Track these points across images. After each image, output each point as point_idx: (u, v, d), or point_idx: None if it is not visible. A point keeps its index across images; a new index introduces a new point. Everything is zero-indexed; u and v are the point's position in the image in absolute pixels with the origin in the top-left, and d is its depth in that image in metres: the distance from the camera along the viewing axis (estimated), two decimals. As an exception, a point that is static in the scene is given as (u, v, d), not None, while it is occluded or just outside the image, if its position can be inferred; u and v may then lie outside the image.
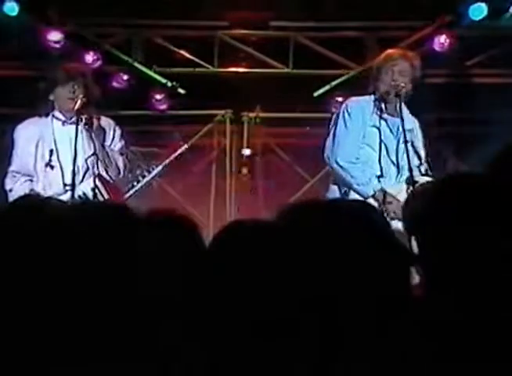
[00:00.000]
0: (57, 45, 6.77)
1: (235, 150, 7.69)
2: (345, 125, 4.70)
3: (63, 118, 4.76)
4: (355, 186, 4.59)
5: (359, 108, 4.72)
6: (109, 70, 7.25)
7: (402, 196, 4.46)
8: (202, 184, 7.37)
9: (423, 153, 4.73)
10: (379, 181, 4.62)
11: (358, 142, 4.67)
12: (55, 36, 6.74)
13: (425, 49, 7.11)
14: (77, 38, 6.98)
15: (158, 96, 7.41)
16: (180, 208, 6.92)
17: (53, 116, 4.81)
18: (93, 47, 7.07)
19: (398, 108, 4.66)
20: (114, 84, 7.22)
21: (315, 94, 7.34)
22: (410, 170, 4.54)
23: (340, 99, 7.25)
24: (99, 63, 6.97)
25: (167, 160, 4.90)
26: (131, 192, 4.78)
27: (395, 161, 4.68)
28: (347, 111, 4.72)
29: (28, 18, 6.61)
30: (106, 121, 4.90)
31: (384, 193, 4.54)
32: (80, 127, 4.69)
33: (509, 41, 7.12)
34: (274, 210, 6.61)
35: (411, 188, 4.48)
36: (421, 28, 7.24)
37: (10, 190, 4.83)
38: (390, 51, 4.95)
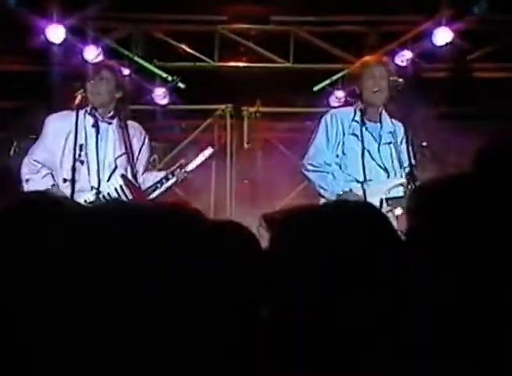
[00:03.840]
0: (58, 41, 6.77)
1: (235, 145, 7.71)
2: (317, 134, 4.91)
3: (96, 115, 4.72)
4: (321, 191, 4.83)
5: (338, 117, 4.90)
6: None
7: (378, 193, 4.71)
8: (202, 178, 7.38)
9: (405, 157, 4.83)
10: (362, 184, 4.78)
11: (329, 150, 4.85)
12: (55, 31, 6.74)
13: (426, 44, 7.12)
14: (78, 33, 6.98)
15: (159, 91, 7.41)
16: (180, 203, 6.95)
17: (86, 111, 4.76)
18: (94, 42, 7.07)
19: (380, 116, 4.87)
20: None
21: (315, 88, 7.35)
22: (410, 166, 4.67)
23: (340, 93, 7.27)
24: (99, 57, 6.96)
25: (192, 166, 4.88)
26: (153, 195, 4.76)
27: (382, 165, 4.81)
28: (324, 121, 4.90)
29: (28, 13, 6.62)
30: (136, 127, 4.91)
31: (352, 193, 4.72)
32: (114, 126, 4.72)
33: (509, 35, 7.12)
34: (274, 204, 6.62)
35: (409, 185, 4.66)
36: (422, 22, 7.23)
37: (27, 180, 4.71)
38: (365, 59, 5.11)
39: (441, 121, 7.40)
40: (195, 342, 1.65)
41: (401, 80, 4.75)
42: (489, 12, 6.85)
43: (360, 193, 4.76)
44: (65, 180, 4.63)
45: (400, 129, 4.91)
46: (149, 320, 1.63)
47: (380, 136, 4.88)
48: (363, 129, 4.86)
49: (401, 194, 4.75)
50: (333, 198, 4.74)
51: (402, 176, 4.82)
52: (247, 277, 1.77)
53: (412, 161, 4.80)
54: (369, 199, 4.69)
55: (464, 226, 1.72)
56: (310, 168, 4.88)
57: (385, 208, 4.66)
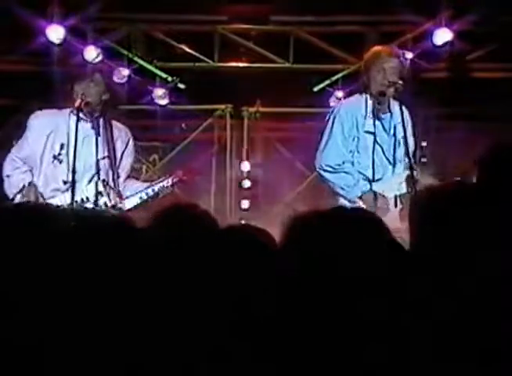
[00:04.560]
0: (58, 41, 6.77)
1: (235, 145, 7.70)
2: (331, 130, 4.77)
3: (81, 115, 4.74)
4: (339, 191, 4.70)
5: (351, 113, 4.78)
6: (109, 64, 7.25)
7: (392, 189, 4.67)
8: (202, 178, 7.37)
9: (411, 145, 4.78)
10: (370, 184, 4.70)
11: (345, 147, 4.75)
12: (55, 31, 6.73)
13: (425, 44, 7.12)
14: (77, 34, 6.98)
15: (159, 91, 7.41)
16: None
17: (71, 111, 4.78)
18: (94, 42, 7.07)
19: (388, 105, 4.75)
20: (115, 79, 7.21)
21: (315, 89, 7.35)
22: (410, 165, 4.62)
23: (340, 93, 7.27)
24: (99, 58, 6.96)
25: (174, 181, 4.84)
26: (132, 204, 4.73)
27: (392, 159, 4.76)
28: (338, 116, 4.78)
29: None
30: (122, 128, 4.91)
31: (374, 193, 4.66)
32: (99, 127, 4.73)
33: (509, 36, 7.11)
34: (274, 205, 6.56)
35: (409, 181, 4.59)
36: (422, 23, 7.23)
37: (8, 176, 4.74)
38: (377, 48, 4.94)
39: (441, 121, 7.40)
40: (195, 342, 1.65)
41: (400, 82, 4.71)
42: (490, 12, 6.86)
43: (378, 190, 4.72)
44: (65, 182, 4.65)
45: (406, 115, 4.80)
46: (149, 320, 1.63)
47: (394, 128, 4.78)
48: (377, 124, 4.80)
49: (405, 191, 4.71)
50: (352, 198, 4.67)
51: (404, 169, 4.76)
52: (247, 278, 1.77)
53: (412, 159, 4.72)
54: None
55: (467, 240, 1.73)
56: (328, 168, 4.74)
57: (399, 206, 4.63)
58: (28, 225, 1.80)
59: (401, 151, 4.78)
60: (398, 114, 4.75)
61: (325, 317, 1.67)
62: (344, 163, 4.73)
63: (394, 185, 4.72)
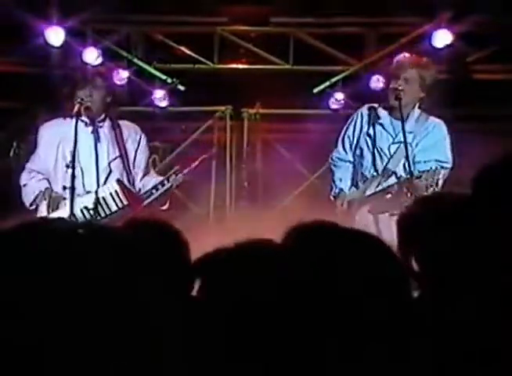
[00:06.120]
0: (57, 43, 6.77)
1: (235, 146, 7.71)
2: (342, 128, 5.04)
3: (87, 120, 4.76)
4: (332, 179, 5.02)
5: (360, 116, 4.97)
6: (109, 66, 7.25)
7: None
8: (202, 179, 7.37)
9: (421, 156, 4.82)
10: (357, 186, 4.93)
11: (346, 147, 5.00)
12: (55, 33, 6.73)
13: (425, 45, 7.11)
14: (77, 35, 6.98)
15: (158, 93, 7.41)
16: (180, 204, 6.94)
17: (77, 117, 4.81)
18: (93, 44, 7.07)
19: (402, 112, 4.80)
20: (114, 80, 7.21)
21: (315, 90, 7.35)
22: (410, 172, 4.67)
23: (340, 95, 7.27)
24: (99, 59, 6.97)
25: (187, 170, 4.89)
26: (148, 200, 4.77)
27: (389, 164, 4.83)
28: (351, 118, 5.04)
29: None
30: (131, 127, 4.94)
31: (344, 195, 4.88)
32: (106, 129, 4.77)
33: (509, 37, 7.11)
34: (273, 206, 6.63)
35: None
36: (421, 24, 7.23)
37: (24, 185, 4.86)
38: (400, 58, 5.03)
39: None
40: (193, 343, 1.65)
41: (401, 87, 4.75)
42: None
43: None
44: (64, 187, 4.68)
45: (435, 128, 4.91)
46: (148, 320, 1.63)
47: (397, 135, 4.85)
48: (377, 127, 4.86)
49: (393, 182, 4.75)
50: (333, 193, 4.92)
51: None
52: (248, 279, 1.78)
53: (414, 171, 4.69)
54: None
55: (468, 244, 1.74)
56: (330, 160, 5.09)
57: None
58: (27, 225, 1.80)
59: (400, 158, 4.83)
60: (412, 125, 4.84)
61: (325, 318, 1.67)
62: (339, 159, 5.01)
63: (362, 192, 4.85)
